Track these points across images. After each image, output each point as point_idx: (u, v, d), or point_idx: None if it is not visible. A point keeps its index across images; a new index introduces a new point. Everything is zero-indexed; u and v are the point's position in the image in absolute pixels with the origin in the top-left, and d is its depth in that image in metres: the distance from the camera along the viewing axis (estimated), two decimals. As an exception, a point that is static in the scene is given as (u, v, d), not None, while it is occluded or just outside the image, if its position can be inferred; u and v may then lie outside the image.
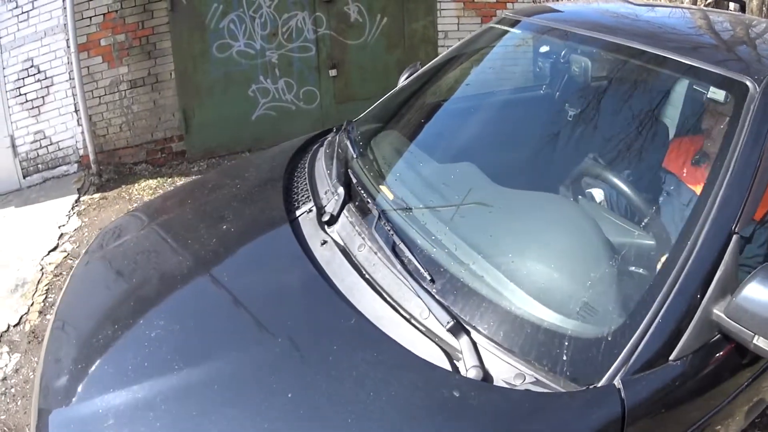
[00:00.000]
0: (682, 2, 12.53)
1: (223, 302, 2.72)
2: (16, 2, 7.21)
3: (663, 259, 2.55)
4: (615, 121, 3.55)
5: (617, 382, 2.20)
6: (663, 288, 2.37)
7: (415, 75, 4.39)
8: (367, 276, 2.77)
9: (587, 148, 3.59)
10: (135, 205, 7.25)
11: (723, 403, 2.58)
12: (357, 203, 3.12)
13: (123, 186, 7.76)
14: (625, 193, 3.17)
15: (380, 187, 3.20)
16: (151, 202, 4.08)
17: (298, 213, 3.24)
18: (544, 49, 3.98)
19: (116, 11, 7.63)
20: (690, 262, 2.40)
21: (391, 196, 3.12)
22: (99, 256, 3.34)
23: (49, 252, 6.38)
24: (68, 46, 7.42)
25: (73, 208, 7.22)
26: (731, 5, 8.77)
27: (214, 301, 2.75)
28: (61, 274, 5.95)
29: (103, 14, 7.58)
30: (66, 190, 7.58)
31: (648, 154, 3.45)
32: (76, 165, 7.94)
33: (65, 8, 7.27)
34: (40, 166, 7.80)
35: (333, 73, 8.96)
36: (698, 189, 3.05)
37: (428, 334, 2.49)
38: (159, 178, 7.96)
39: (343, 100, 9.14)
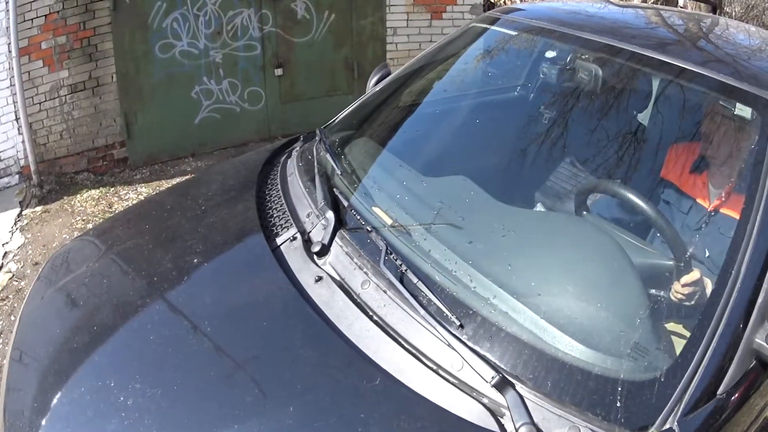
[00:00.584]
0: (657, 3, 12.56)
1: (211, 360, 2.33)
2: (-44, 5, 6.82)
3: (707, 289, 2.49)
4: (613, 131, 3.41)
5: (674, 425, 2.07)
6: (711, 322, 2.25)
7: (389, 78, 4.06)
8: (376, 319, 2.44)
9: (590, 160, 3.48)
10: (78, 218, 6.98)
11: (752, 426, 2.52)
12: (351, 230, 2.80)
13: (65, 197, 7.42)
14: (645, 212, 2.89)
15: (375, 209, 2.88)
16: (104, 225, 3.55)
17: (278, 241, 2.87)
18: (550, 54, 3.71)
19: (58, 12, 7.25)
20: (735, 293, 2.28)
21: (389, 221, 2.80)
22: (55, 289, 2.92)
23: (-7, 272, 6.03)
24: (10, 51, 6.99)
25: (15, 224, 6.87)
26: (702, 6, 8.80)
27: (200, 360, 2.32)
28: (7, 297, 5.62)
29: (45, 15, 7.18)
30: (7, 204, 7.19)
31: (647, 164, 3.31)
32: (17, 176, 7.53)
33: (8, 10, 6.86)
34: (-21, 179, 7.41)
35: (279, 72, 8.73)
36: (699, 197, 3.17)
37: (463, 387, 2.21)
38: (101, 188, 7.65)
39: (289, 100, 8.94)
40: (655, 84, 3.47)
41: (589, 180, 3.34)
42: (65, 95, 7.57)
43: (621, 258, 2.60)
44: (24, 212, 7.10)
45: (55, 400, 2.25)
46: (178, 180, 7.78)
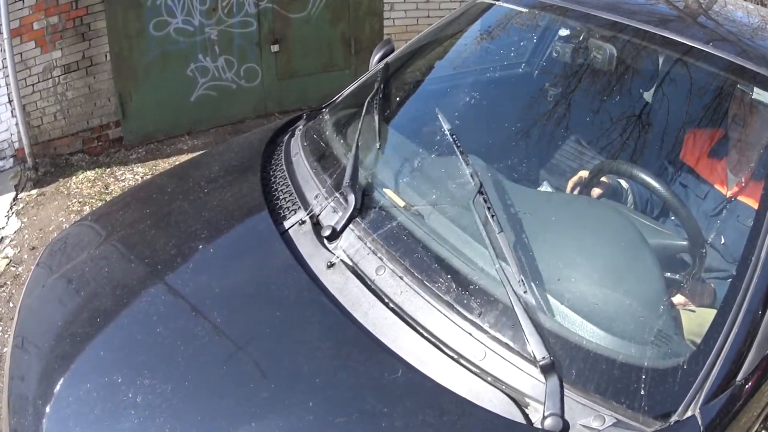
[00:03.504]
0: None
1: (223, 354, 2.24)
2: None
3: (726, 277, 2.52)
4: (629, 113, 3.37)
5: (696, 412, 2.08)
6: (732, 308, 2.24)
7: (394, 54, 3.94)
8: (393, 307, 2.36)
9: (602, 141, 3.43)
10: (74, 200, 6.89)
11: (764, 410, 2.56)
12: (365, 213, 2.70)
13: (60, 179, 7.32)
14: (665, 197, 2.89)
15: (386, 191, 2.79)
16: (103, 210, 3.44)
17: (286, 225, 2.78)
18: (563, 32, 3.66)
19: (49, -9, 7.12)
20: (755, 279, 2.28)
21: (402, 204, 2.71)
22: (56, 277, 2.82)
23: (-10, 258, 5.95)
24: (1, 32, 6.83)
25: (11, 208, 6.78)
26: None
27: (211, 354, 2.23)
28: (5, 284, 5.54)
29: (36, -5, 7.05)
30: (2, 188, 7.09)
31: (665, 147, 3.29)
32: (11, 159, 7.42)
33: (-1, -9, 6.73)
34: (-26, 163, 7.31)
35: (275, 48, 8.62)
36: (717, 183, 3.15)
37: (486, 377, 2.17)
38: (97, 169, 7.55)
39: (285, 77, 8.84)
40: (668, 64, 3.41)
41: (602, 161, 3.26)
42: (58, 76, 7.45)
43: (639, 242, 2.57)
44: (19, 196, 7.01)
45: (60, 395, 2.19)
46: (174, 159, 7.75)
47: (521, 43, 4.11)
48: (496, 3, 3.77)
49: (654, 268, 2.48)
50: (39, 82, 7.35)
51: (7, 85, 7.08)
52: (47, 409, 2.15)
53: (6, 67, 6.97)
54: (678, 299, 2.60)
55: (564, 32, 3.66)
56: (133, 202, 3.32)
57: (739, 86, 2.92)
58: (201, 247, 2.71)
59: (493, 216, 2.40)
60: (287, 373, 2.15)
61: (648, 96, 3.56)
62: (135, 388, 2.14)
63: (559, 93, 3.62)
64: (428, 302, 2.33)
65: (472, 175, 2.58)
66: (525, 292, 2.25)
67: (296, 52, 8.79)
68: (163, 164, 7.62)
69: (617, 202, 3.15)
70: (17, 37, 7.03)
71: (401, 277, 2.42)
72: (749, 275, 2.28)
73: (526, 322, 2.17)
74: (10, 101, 7.14)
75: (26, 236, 6.29)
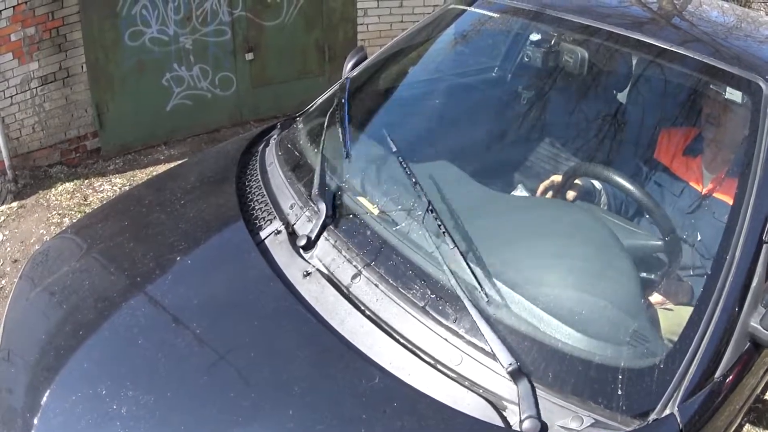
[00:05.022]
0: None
1: (204, 364, 2.27)
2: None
3: (702, 275, 2.52)
4: (602, 113, 3.43)
5: (675, 410, 2.12)
6: (708, 306, 2.29)
7: (367, 62, 3.98)
8: (369, 314, 2.40)
9: (575, 143, 3.49)
10: (54, 212, 6.91)
11: (743, 406, 2.67)
12: (338, 221, 2.75)
13: (40, 191, 7.33)
14: (636, 196, 2.94)
15: (360, 199, 2.84)
16: (83, 222, 3.47)
17: (262, 235, 2.81)
18: (534, 37, 3.69)
19: (26, 2, 7.10)
20: (730, 277, 2.34)
21: (375, 211, 2.76)
22: (40, 290, 2.84)
23: (-28, 272, 5.95)
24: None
25: (-7, 221, 6.79)
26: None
27: (192, 364, 2.27)
28: (-12, 297, 5.53)
29: (13, 6, 7.03)
30: (-17, 202, 7.09)
31: (638, 146, 3.37)
32: (-8, 173, 7.42)
33: (-21, 3, 6.74)
34: (-46, 176, 7.30)
35: (249, 56, 8.65)
36: (692, 181, 3.21)
37: (464, 382, 2.20)
38: (75, 180, 7.56)
39: (260, 85, 8.84)
40: (640, 65, 3.47)
41: (574, 164, 3.31)
42: (36, 87, 7.45)
43: (613, 243, 2.61)
44: (0, 209, 7.03)
45: (47, 407, 2.22)
46: (152, 169, 7.74)
47: (494, 48, 4.15)
48: (469, 9, 3.80)
49: (627, 268, 2.53)
50: (17, 93, 7.35)
51: (-15, 97, 7.04)
52: (35, 421, 2.18)
53: (-17, 80, 6.95)
54: (655, 298, 2.68)
55: (535, 37, 3.70)
56: (111, 214, 3.34)
57: (711, 85, 2.99)
58: (179, 259, 2.74)
59: (444, 233, 2.46)
60: (266, 382, 2.19)
61: (621, 97, 3.61)
62: (119, 400, 2.17)
63: (532, 97, 3.70)
64: (403, 309, 2.37)
65: (419, 195, 2.65)
66: (488, 302, 2.30)
67: (271, 59, 8.81)
68: (141, 174, 7.64)
69: (591, 203, 3.19)
70: (-5, 49, 7.03)
71: (376, 285, 2.45)
72: (725, 272, 2.34)
73: (487, 332, 2.21)
74: (-12, 114, 7.12)
75: (8, 249, 6.30)
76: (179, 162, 4.47)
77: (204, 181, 3.32)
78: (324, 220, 2.71)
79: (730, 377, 2.32)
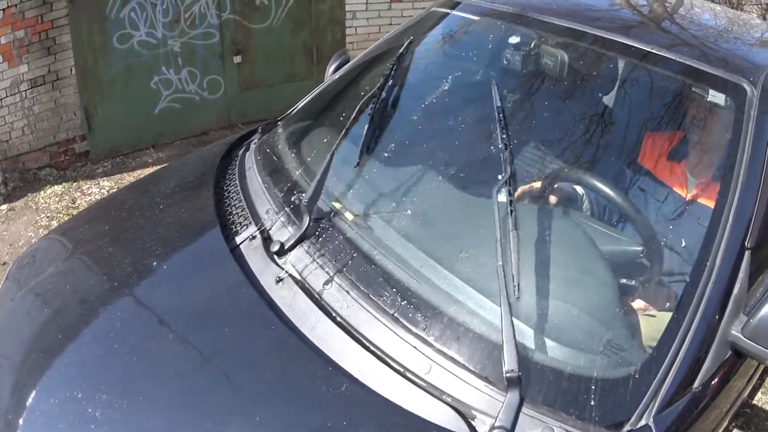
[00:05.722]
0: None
1: (175, 369, 2.28)
2: None
3: (683, 282, 2.44)
4: (591, 119, 3.33)
5: (650, 421, 2.09)
6: (687, 314, 2.27)
7: (349, 65, 4.01)
8: (340, 321, 2.39)
9: (557, 147, 3.40)
10: (42, 215, 6.95)
11: (727, 413, 2.64)
12: (313, 227, 2.73)
13: (29, 194, 7.37)
14: (620, 204, 2.94)
15: (337, 205, 2.84)
16: (68, 225, 3.51)
17: (238, 240, 2.81)
18: (514, 39, 3.66)
19: (16, 5, 7.12)
20: (710, 284, 2.31)
21: (351, 217, 2.76)
22: (25, 291, 2.87)
23: (-42, 273, 5.95)
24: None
25: (-20, 223, 6.81)
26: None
27: (163, 370, 2.28)
28: (-25, 299, 5.54)
29: (3, 9, 7.05)
30: (-26, 203, 7.13)
31: (621, 151, 3.29)
32: (-19, 175, 7.45)
33: (-36, 5, 6.77)
34: (-55, 177, 7.33)
35: (238, 59, 8.68)
36: (676, 186, 3.16)
37: (431, 390, 2.18)
38: (64, 183, 7.58)
39: (248, 88, 8.90)
40: (623, 69, 3.46)
41: (554, 169, 3.27)
42: (25, 90, 7.47)
43: (591, 250, 2.61)
44: (-12, 211, 7.03)
45: (31, 409, 2.23)
46: (140, 172, 7.77)
47: (476, 51, 4.06)
48: (451, 12, 3.82)
49: (603, 275, 2.53)
50: (6, 96, 7.37)
51: (-24, 100, 7.07)
52: (20, 422, 2.20)
53: (-25, 82, 6.98)
54: (638, 304, 2.62)
55: (514, 39, 3.67)
56: (95, 217, 3.37)
57: (694, 88, 2.98)
58: (155, 264, 2.75)
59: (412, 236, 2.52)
60: (235, 388, 2.19)
61: (603, 101, 3.53)
62: (94, 403, 2.18)
63: (513, 101, 3.62)
64: (373, 316, 2.35)
65: (393, 201, 2.73)
66: (517, 298, 2.27)
67: (259, 62, 8.83)
68: (129, 177, 7.66)
69: (574, 209, 3.13)
70: (-16, 52, 7.06)
71: (347, 291, 2.45)
72: (704, 279, 2.31)
73: (508, 333, 2.16)
74: (-21, 116, 7.15)
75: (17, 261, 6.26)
76: (164, 165, 4.49)
77: (184, 186, 3.34)
78: (295, 225, 2.74)
79: (711, 386, 2.30)
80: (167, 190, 3.33)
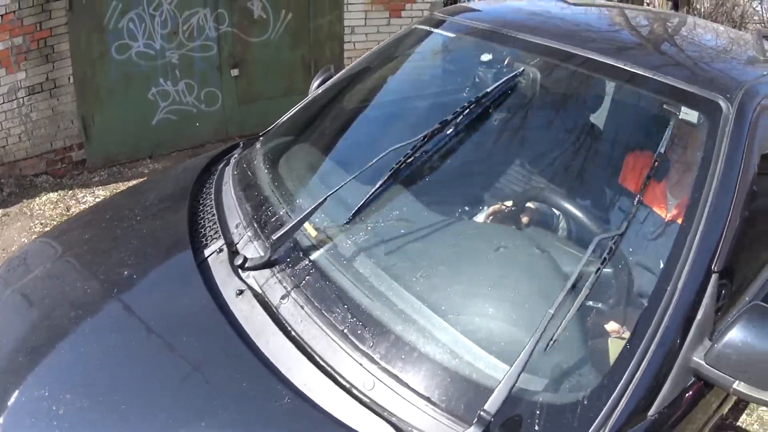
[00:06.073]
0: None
1: (131, 376, 2.32)
2: None
3: (642, 305, 2.38)
4: (565, 138, 3.36)
5: None
6: (643, 339, 2.19)
7: (330, 81, 4.04)
8: (294, 335, 2.40)
9: (534, 165, 3.46)
10: (36, 221, 7.01)
11: None
12: (275, 240, 2.71)
13: (24, 200, 7.44)
14: (582, 222, 2.95)
15: (302, 221, 2.78)
16: (58, 229, 3.61)
17: (206, 253, 2.84)
18: (485, 57, 3.62)
19: (14, 12, 7.20)
20: (671, 308, 2.24)
21: (314, 234, 2.77)
22: (11, 292, 2.92)
23: (-50, 277, 6.01)
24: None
25: (-25, 228, 6.89)
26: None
27: (121, 377, 2.31)
28: (-36, 303, 5.60)
29: (1, 15, 7.14)
30: (-32, 208, 7.20)
31: (604, 171, 3.30)
32: (-24, 179, 7.53)
33: (-38, 10, 6.85)
34: (-63, 180, 7.41)
35: (235, 72, 8.76)
36: (656, 207, 3.12)
37: (374, 407, 2.16)
38: (60, 191, 7.67)
39: (246, 101, 8.97)
40: (604, 88, 3.43)
41: (526, 188, 3.30)
42: (23, 97, 7.55)
43: (547, 271, 2.58)
44: (-17, 215, 7.11)
45: (11, 408, 2.27)
46: (135, 182, 7.71)
47: (454, 70, 4.07)
48: (434, 30, 3.82)
49: (557, 297, 2.33)
50: (4, 102, 7.44)
51: (-27, 105, 7.16)
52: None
53: (-29, 87, 7.06)
54: (611, 326, 2.54)
55: (486, 57, 3.64)
56: (83, 224, 3.43)
57: (667, 106, 2.90)
58: (126, 273, 2.78)
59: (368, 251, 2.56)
60: (184, 398, 2.22)
61: (582, 120, 3.47)
62: (58, 403, 2.23)
63: (493, 119, 3.53)
64: (324, 331, 2.36)
65: (354, 219, 2.73)
66: (374, 343, 2.28)
67: (256, 75, 8.89)
68: (124, 187, 7.50)
69: (549, 229, 3.10)
70: (-19, 57, 7.15)
71: (302, 306, 2.46)
72: (665, 302, 2.23)
73: (376, 371, 2.20)
74: (-25, 122, 7.23)
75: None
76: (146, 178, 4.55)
77: (162, 198, 3.40)
78: (260, 241, 2.79)
79: (671, 413, 2.23)
80: (146, 202, 3.39)
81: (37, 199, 7.48)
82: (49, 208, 7.32)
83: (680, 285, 2.26)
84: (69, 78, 7.80)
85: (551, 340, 2.16)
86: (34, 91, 7.62)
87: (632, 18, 3.92)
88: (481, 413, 1.98)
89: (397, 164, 2.92)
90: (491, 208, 3.23)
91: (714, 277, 2.32)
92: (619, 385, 2.10)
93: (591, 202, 3.14)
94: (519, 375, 2.02)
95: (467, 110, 3.16)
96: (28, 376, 2.39)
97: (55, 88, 7.77)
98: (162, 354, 2.39)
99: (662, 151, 2.82)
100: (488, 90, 3.28)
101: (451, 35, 3.83)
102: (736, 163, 2.54)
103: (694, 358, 2.25)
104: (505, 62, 3.52)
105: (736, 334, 2.14)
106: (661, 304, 2.24)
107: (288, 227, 2.67)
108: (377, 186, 2.83)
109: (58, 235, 3.43)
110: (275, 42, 8.89)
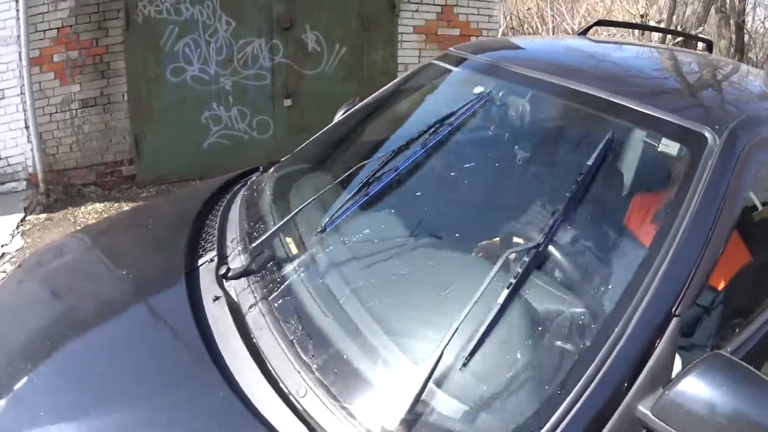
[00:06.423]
0: (651, 41, 12.59)
1: (102, 360, 2.49)
2: (-30, 7, 7.12)
3: (584, 343, 2.18)
4: (566, 175, 3.12)
5: None
6: (579, 381, 2.00)
7: (344, 115, 4.21)
8: (252, 340, 2.48)
9: (533, 202, 3.26)
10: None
11: None
12: (259, 255, 2.86)
13: (70, 208, 7.68)
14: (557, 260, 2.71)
15: (287, 240, 2.95)
16: (93, 228, 3.94)
17: (200, 262, 2.99)
18: (478, 89, 3.52)
19: (71, 26, 7.51)
20: (617, 349, 2.03)
21: (294, 251, 2.88)
22: (31, 279, 3.18)
23: (-12, 271, 6.25)
24: (20, 59, 7.30)
25: (17, 228, 7.13)
26: (699, 45, 8.81)
27: (97, 372, 2.45)
28: (-3, 297, 5.82)
29: (57, 28, 7.46)
30: (12, 208, 7.46)
31: (606, 211, 3.03)
32: (24, 182, 7.82)
33: (18, 18, 7.17)
34: (-13, 180, 7.71)
35: (288, 102, 8.90)
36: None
37: (302, 414, 2.16)
38: (106, 202, 7.88)
39: (297, 131, 8.97)
40: (588, 118, 3.12)
41: (514, 226, 3.09)
42: (76, 109, 7.83)
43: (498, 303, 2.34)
44: (27, 218, 7.37)
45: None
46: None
47: (456, 105, 3.91)
48: (454, 68, 3.78)
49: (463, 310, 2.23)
50: (57, 112, 7.74)
51: (24, 111, 7.50)
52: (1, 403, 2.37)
53: (24, 93, 7.40)
54: (549, 362, 2.33)
55: (478, 89, 3.53)
56: (115, 226, 3.72)
57: (645, 138, 2.83)
58: (124, 274, 2.99)
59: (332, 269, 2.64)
60: (136, 382, 2.37)
61: (589, 159, 3.01)
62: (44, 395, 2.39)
63: (462, 142, 3.60)
64: (276, 339, 2.44)
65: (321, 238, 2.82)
66: (313, 354, 2.32)
67: (308, 107, 8.98)
68: None
69: (537, 266, 2.78)
70: (36, 67, 7.47)
71: (264, 315, 2.55)
72: (610, 343, 2.05)
73: (309, 378, 2.24)
74: (26, 126, 7.56)
75: (25, 256, 6.38)
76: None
77: (175, 210, 3.66)
78: (244, 253, 2.93)
79: None
80: (161, 212, 3.68)
81: (83, 207, 7.70)
82: (93, 217, 7.51)
83: (633, 322, 2.07)
84: (123, 95, 8.06)
85: (467, 357, 2.12)
86: (87, 104, 7.90)
87: (642, 53, 3.94)
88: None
89: (365, 181, 3.04)
90: (480, 244, 3.17)
91: (675, 320, 2.09)
92: (548, 425, 1.95)
93: (599, 244, 2.88)
94: (419, 396, 2.03)
95: (435, 131, 3.25)
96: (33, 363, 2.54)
97: (109, 103, 8.02)
98: (131, 343, 2.59)
99: (665, 190, 2.67)
100: (454, 111, 3.34)
101: (463, 74, 3.76)
102: (716, 200, 2.32)
103: (641, 408, 2.01)
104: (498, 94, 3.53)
105: (689, 385, 1.93)
106: (606, 344, 2.05)
107: (258, 242, 2.84)
108: (346, 202, 2.95)
109: (94, 232, 3.69)
110: (328, 75, 9.03)
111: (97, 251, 3.32)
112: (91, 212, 7.64)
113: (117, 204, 7.90)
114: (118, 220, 3.79)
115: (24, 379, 2.42)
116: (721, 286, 2.71)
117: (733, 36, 14.82)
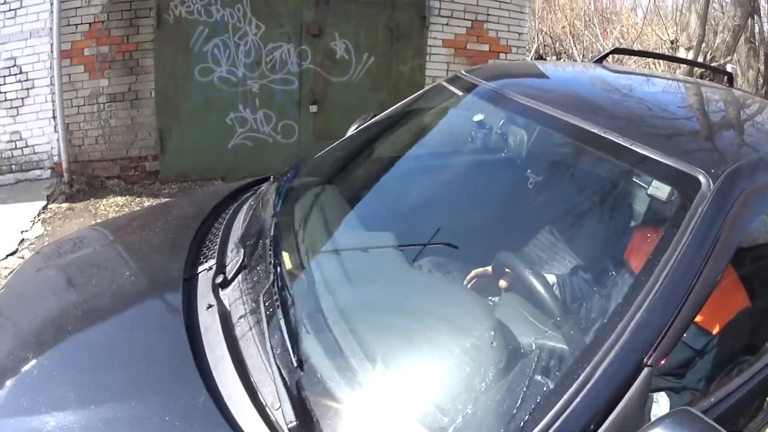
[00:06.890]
0: (674, 72, 12.56)
1: (100, 356, 2.55)
2: (5, -1, 7.27)
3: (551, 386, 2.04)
4: (557, 210, 3.35)
5: None
6: (541, 423, 1.90)
7: (359, 129, 4.23)
8: (238, 350, 2.51)
9: (525, 234, 3.42)
10: (98, 220, 7.17)
11: None
12: (254, 267, 2.90)
13: (92, 199, 7.79)
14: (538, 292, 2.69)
15: (284, 255, 2.94)
16: (113, 222, 4.02)
17: (200, 269, 3.04)
18: (478, 117, 3.62)
19: (102, 22, 7.65)
20: (579, 397, 1.92)
21: (289, 265, 2.90)
22: (47, 266, 3.31)
23: (7, 256, 6.38)
24: (52, 51, 7.43)
25: (39, 215, 7.23)
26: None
27: (89, 367, 2.51)
28: (16, 282, 5.93)
29: (89, 23, 7.60)
30: (35, 195, 7.58)
31: (604, 244, 3.07)
32: (49, 171, 7.96)
33: (52, 12, 7.31)
34: (13, 166, 7.85)
35: (314, 108, 8.94)
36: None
37: (277, 427, 2.16)
38: (128, 196, 7.98)
39: (322, 138, 8.72)
40: (582, 155, 3.11)
41: (500, 254, 3.07)
42: (104, 103, 7.97)
43: (482, 341, 2.38)
44: (49, 206, 7.48)
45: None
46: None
47: (459, 130, 4.00)
48: (466, 94, 3.71)
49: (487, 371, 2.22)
50: (84, 105, 7.89)
51: (53, 101, 7.64)
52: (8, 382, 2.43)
53: (53, 84, 7.54)
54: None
55: (478, 117, 3.61)
56: (133, 222, 3.80)
57: (635, 178, 2.78)
58: (125, 275, 3.05)
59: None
60: (120, 384, 2.41)
61: (581, 197, 3.18)
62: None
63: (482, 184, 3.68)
64: (259, 351, 2.46)
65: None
66: (296, 366, 2.30)
67: (335, 114, 8.95)
68: None
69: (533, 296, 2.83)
70: (67, 59, 7.61)
71: (251, 327, 2.59)
72: (573, 390, 1.95)
73: (281, 388, 2.20)
74: (54, 117, 7.70)
75: (45, 243, 6.54)
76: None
77: (183, 215, 3.69)
78: (240, 263, 2.96)
79: None
80: (171, 216, 3.70)
81: (104, 200, 7.81)
82: (114, 210, 7.61)
83: (598, 373, 1.95)
84: (150, 92, 8.18)
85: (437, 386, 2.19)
86: (115, 99, 8.03)
87: (654, 85, 3.80)
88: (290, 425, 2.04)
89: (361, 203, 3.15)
90: (473, 272, 3.18)
91: (646, 370, 1.97)
92: None
93: (600, 275, 2.90)
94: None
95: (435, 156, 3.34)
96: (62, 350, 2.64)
97: (137, 99, 8.15)
98: (127, 342, 2.65)
99: (661, 227, 2.42)
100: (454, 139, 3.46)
101: (469, 100, 3.68)
102: (703, 248, 2.16)
103: None
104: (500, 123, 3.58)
105: None
106: (570, 390, 1.94)
107: (254, 255, 2.91)
108: (344, 225, 3.07)
109: (112, 226, 3.82)
110: (356, 83, 9.06)
111: (112, 247, 3.42)
112: (112, 205, 7.73)
113: (138, 198, 7.99)
114: (136, 216, 3.90)
115: (30, 364, 2.48)
116: (715, 330, 2.65)
117: (762, 66, 14.75)
